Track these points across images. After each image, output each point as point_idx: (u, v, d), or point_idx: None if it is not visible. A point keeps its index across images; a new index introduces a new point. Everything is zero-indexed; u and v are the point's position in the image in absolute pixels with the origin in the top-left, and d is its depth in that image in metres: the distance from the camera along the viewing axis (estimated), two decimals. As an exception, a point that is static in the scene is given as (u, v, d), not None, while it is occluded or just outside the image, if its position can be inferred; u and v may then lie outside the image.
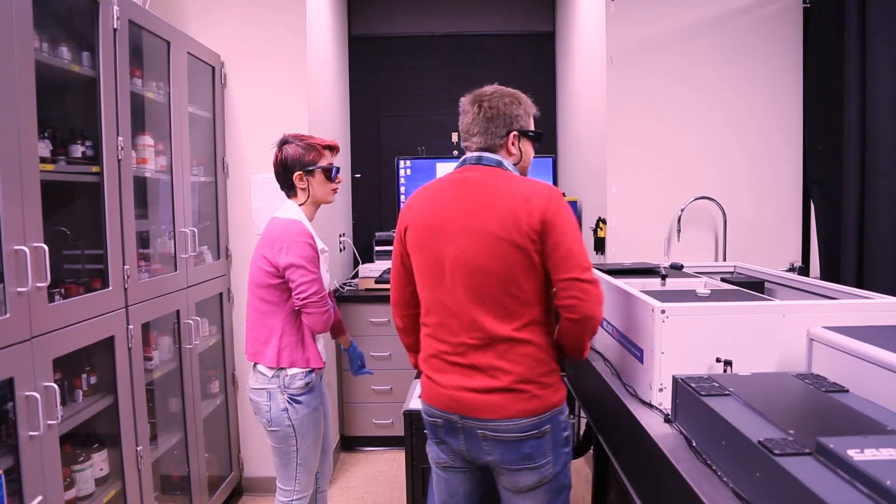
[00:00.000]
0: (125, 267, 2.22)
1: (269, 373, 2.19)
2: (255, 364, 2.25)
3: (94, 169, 2.11)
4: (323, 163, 2.25)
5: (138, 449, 2.29)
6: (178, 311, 2.68)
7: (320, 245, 2.26)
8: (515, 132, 1.85)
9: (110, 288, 2.15)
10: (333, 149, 2.31)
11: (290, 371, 2.20)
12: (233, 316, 3.26)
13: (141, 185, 2.57)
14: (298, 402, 2.21)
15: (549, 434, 1.74)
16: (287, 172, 2.24)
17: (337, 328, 2.63)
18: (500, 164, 1.81)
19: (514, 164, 1.85)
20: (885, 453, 1.00)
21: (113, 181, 2.16)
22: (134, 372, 2.28)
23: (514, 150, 1.85)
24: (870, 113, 2.62)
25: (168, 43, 2.61)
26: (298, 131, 3.16)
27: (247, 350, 2.27)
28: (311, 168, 2.23)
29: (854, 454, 1.00)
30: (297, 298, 2.15)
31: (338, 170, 2.31)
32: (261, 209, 3.23)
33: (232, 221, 3.25)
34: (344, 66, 4.47)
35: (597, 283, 1.68)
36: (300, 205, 2.26)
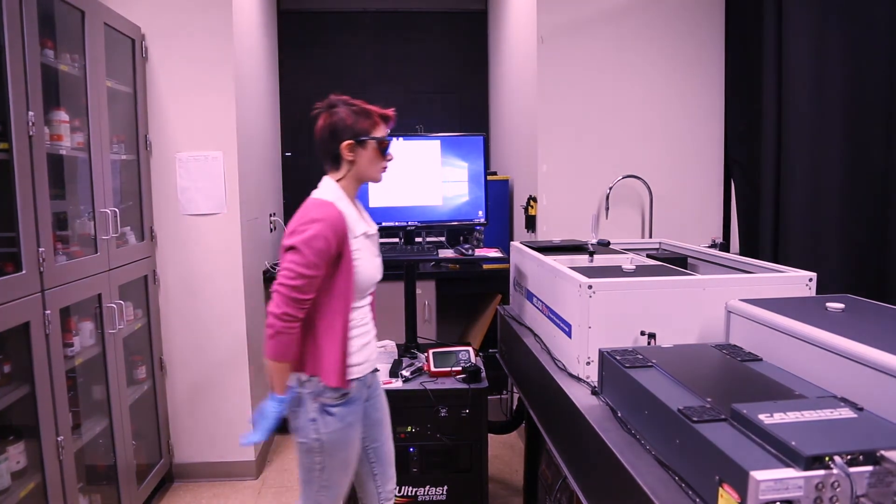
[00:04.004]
0: (40, 249, 2.11)
1: (304, 376, 1.85)
2: None
3: (2, 146, 1.99)
4: (377, 133, 1.92)
5: (59, 439, 2.20)
6: (99, 295, 2.57)
7: (362, 228, 1.93)
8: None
9: (24, 272, 2.04)
10: (389, 119, 1.98)
11: (318, 376, 1.85)
12: (159, 299, 3.16)
13: (56, 163, 2.44)
14: (330, 414, 1.84)
15: None
16: (334, 140, 1.89)
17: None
18: None
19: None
20: (792, 416, 1.06)
21: (24, 159, 2.04)
22: (52, 359, 2.17)
23: None
24: (785, 95, 2.73)
25: (83, 12, 2.47)
26: (225, 107, 3.11)
27: None
28: (363, 138, 1.90)
29: (764, 418, 1.06)
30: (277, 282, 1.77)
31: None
32: (187, 188, 3.12)
33: (157, 201, 3.13)
34: (273, 40, 4.35)
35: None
36: (338, 180, 1.94)
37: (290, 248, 1.76)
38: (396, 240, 4.09)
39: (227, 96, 3.11)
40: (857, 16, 2.38)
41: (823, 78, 2.56)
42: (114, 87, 2.78)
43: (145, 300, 3.06)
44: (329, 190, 1.92)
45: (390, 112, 1.98)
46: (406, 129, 4.49)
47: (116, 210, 2.67)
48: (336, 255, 1.80)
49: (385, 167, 1.99)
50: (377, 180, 2.00)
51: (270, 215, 4.01)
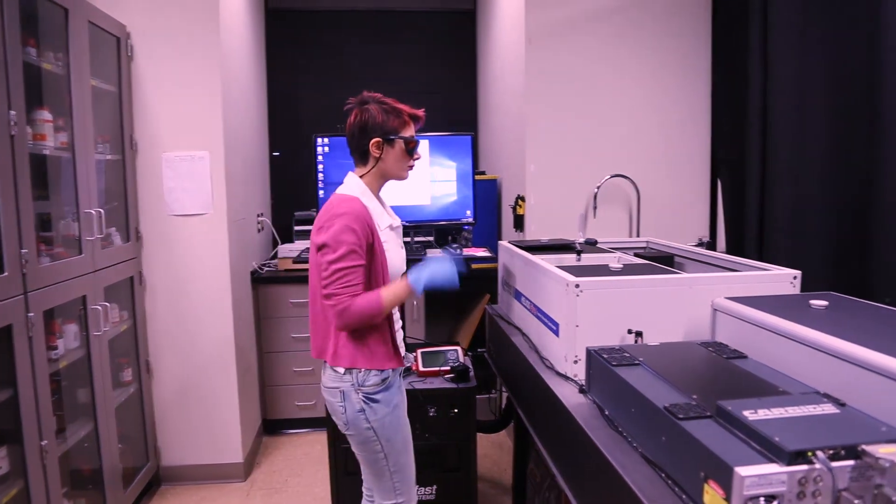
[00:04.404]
0: (23, 251, 2.09)
1: (341, 369, 1.91)
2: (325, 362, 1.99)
3: (-16, 145, 1.97)
4: (406, 133, 1.97)
5: (43, 443, 2.17)
6: (84, 297, 2.55)
7: (387, 221, 1.99)
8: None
9: (6, 273, 2.02)
10: (419, 120, 2.03)
11: (361, 367, 1.91)
12: (145, 300, 3.14)
13: (40, 163, 2.41)
14: (376, 402, 1.91)
15: None
16: (364, 137, 1.93)
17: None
18: None
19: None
20: (776, 412, 1.07)
21: (5, 159, 2.02)
22: (36, 362, 2.15)
23: None
24: (770, 95, 2.75)
25: (66, 10, 2.44)
26: (212, 107, 3.09)
27: (312, 345, 2.04)
28: (392, 137, 1.94)
29: (749, 415, 1.06)
30: (322, 286, 1.85)
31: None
32: (173, 189, 3.10)
33: (143, 202, 3.11)
34: (260, 39, 4.33)
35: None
36: (363, 175, 1.98)
37: (323, 246, 1.84)
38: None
39: (214, 96, 3.10)
40: (839, 17, 2.40)
41: (807, 79, 2.58)
42: (98, 87, 2.76)
43: (131, 302, 3.04)
44: (353, 186, 1.97)
45: (420, 112, 2.02)
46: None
47: (101, 211, 2.65)
48: (368, 247, 1.87)
49: (412, 166, 2.03)
50: (402, 178, 2.04)
51: (258, 215, 3.99)
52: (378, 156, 1.95)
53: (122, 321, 2.95)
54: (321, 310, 1.94)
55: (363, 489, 2.23)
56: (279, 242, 4.10)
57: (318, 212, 3.77)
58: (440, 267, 1.93)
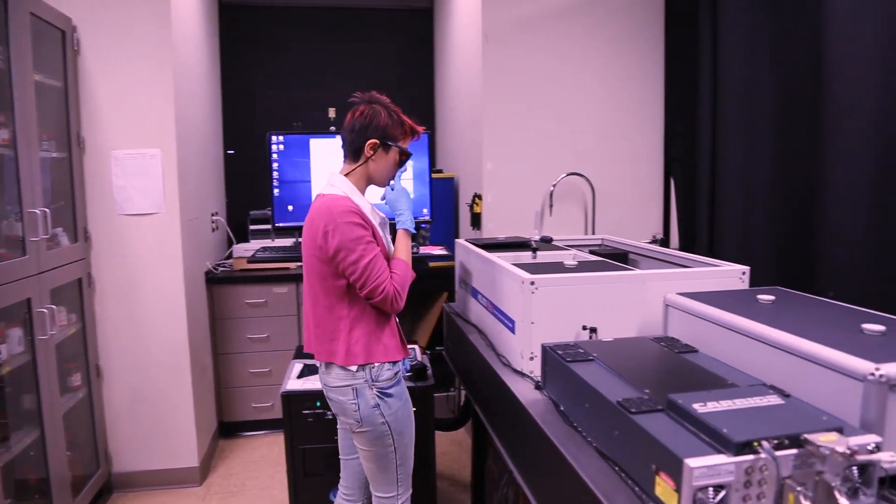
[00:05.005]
0: (-38, 252, 2.01)
1: (353, 367, 1.91)
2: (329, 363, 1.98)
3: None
4: (403, 144, 2.01)
5: (-14, 450, 2.10)
6: (28, 300, 2.46)
7: (377, 218, 2.01)
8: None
9: (-56, 276, 1.94)
10: (416, 136, 2.07)
11: (376, 362, 1.93)
12: (95, 303, 3.05)
13: (-21, 161, 2.33)
14: (390, 396, 1.94)
15: None
16: (364, 134, 1.94)
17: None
18: None
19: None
20: (724, 405, 1.10)
21: (-57, 157, 1.94)
22: (-23, 367, 2.07)
23: None
24: (720, 95, 2.82)
25: (5, 2, 2.35)
26: (163, 103, 3.01)
27: (311, 348, 2.01)
28: (390, 143, 1.96)
29: (698, 407, 1.09)
30: (357, 287, 1.87)
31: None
32: (123, 187, 3.01)
33: (91, 201, 3.02)
34: (214, 35, 4.24)
35: None
36: (348, 174, 1.97)
37: (339, 251, 1.84)
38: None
39: (166, 92, 3.02)
40: (784, 13, 2.48)
41: (754, 79, 2.65)
42: (42, 82, 2.67)
43: (80, 304, 2.95)
44: (341, 185, 1.96)
45: (421, 129, 2.07)
46: (351, 127, 4.46)
47: (47, 210, 2.56)
48: (373, 235, 1.90)
49: (394, 177, 2.07)
50: (382, 185, 2.07)
51: (212, 214, 3.92)
52: (370, 156, 1.96)
53: (70, 324, 2.86)
54: (325, 313, 1.93)
55: (340, 489, 2.22)
56: (234, 242, 4.03)
57: (273, 211, 3.74)
58: (405, 197, 2.07)
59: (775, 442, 0.98)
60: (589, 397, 1.33)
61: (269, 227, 3.96)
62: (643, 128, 3.42)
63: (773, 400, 1.13)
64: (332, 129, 4.48)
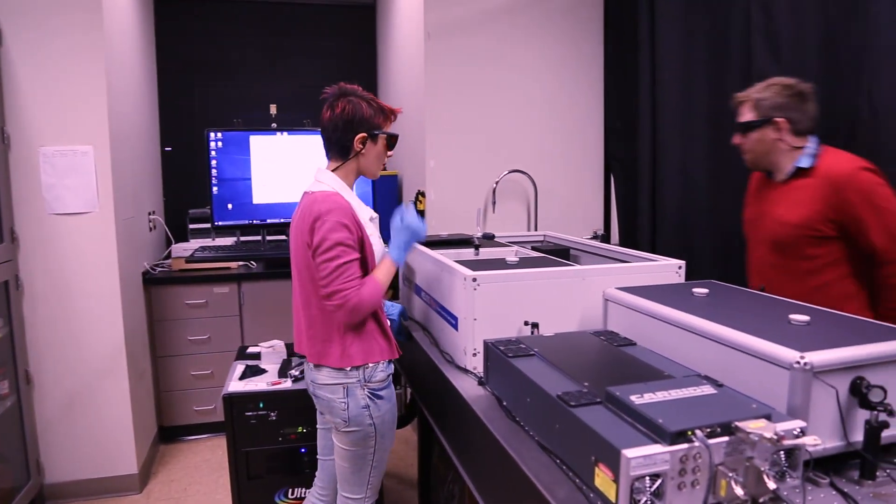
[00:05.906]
0: None
1: (346, 368, 1.87)
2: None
3: None
4: (388, 129, 1.97)
5: None
6: (-50, 304, 2.34)
7: (367, 213, 1.96)
8: None
9: None
10: (395, 117, 2.02)
11: (371, 363, 1.90)
12: (23, 306, 2.91)
13: None
14: (380, 398, 1.91)
15: None
16: (350, 130, 1.89)
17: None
18: None
19: None
20: (660, 395, 1.13)
21: None
22: None
23: None
24: (659, 94, 2.90)
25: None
26: (95, 97, 2.90)
27: (303, 350, 1.96)
28: (377, 132, 1.92)
29: (635, 399, 1.11)
30: (321, 285, 1.82)
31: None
32: (53, 185, 2.89)
33: (18, 200, 2.88)
34: (150, 28, 4.10)
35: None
36: (335, 170, 1.93)
37: (318, 247, 1.80)
38: (283, 237, 3.99)
39: (98, 85, 2.90)
40: (717, 19, 2.56)
41: (690, 81, 2.73)
42: (-38, 76, 2.54)
43: (7, 308, 2.81)
44: (330, 181, 1.92)
45: (399, 110, 2.01)
46: (293, 123, 4.39)
47: (-32, 210, 2.44)
48: (359, 240, 1.85)
49: (385, 163, 2.03)
50: (375, 176, 2.04)
51: (149, 213, 3.80)
52: (359, 150, 1.92)
53: (-5, 329, 2.74)
54: (318, 314, 1.88)
55: (315, 489, 2.19)
56: (173, 241, 3.92)
57: (212, 209, 3.65)
58: (407, 234, 1.96)
59: (708, 430, 1.01)
60: (530, 392, 1.34)
61: (208, 225, 3.87)
62: (584, 127, 3.48)
63: (707, 390, 1.16)
64: (274, 125, 4.41)
